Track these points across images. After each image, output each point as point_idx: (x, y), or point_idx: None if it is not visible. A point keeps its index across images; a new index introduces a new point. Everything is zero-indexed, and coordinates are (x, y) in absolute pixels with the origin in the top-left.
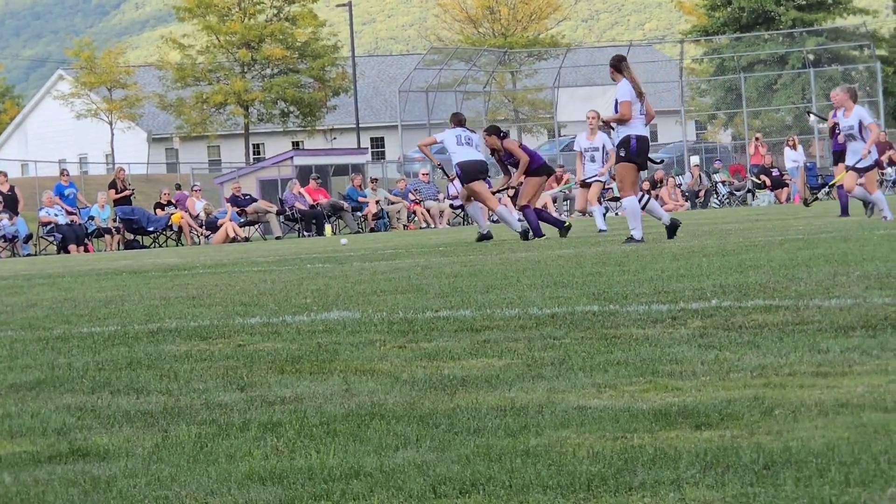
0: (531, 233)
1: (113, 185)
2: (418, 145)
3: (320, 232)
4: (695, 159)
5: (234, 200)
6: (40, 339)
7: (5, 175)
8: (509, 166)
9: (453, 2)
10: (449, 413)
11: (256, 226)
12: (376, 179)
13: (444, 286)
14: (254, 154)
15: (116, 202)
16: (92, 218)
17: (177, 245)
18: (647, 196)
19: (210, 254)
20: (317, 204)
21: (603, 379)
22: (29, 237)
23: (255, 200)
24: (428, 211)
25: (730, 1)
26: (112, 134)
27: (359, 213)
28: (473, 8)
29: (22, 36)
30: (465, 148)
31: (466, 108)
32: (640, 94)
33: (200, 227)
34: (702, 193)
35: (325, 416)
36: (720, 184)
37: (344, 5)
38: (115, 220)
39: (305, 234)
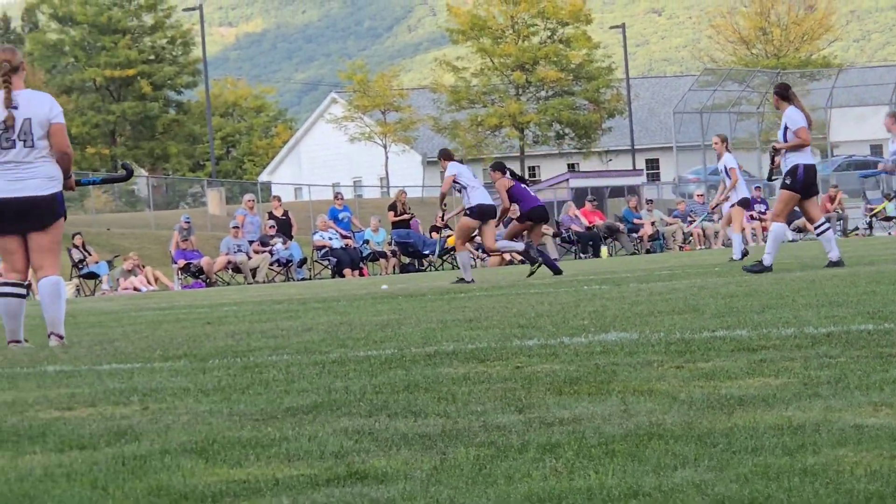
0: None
1: (392, 208)
2: (442, 192)
3: (596, 254)
4: None
5: (507, 221)
6: (317, 363)
7: (279, 199)
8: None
9: (726, 23)
10: (727, 432)
11: None
12: (651, 201)
13: (720, 306)
14: (529, 176)
15: (395, 225)
16: (367, 241)
17: (452, 268)
18: (826, 224)
19: (486, 277)
20: (593, 226)
21: (879, 397)
22: (303, 261)
23: None
24: (703, 231)
25: None
26: (386, 157)
27: (634, 235)
28: (746, 29)
29: (294, 59)
30: (479, 183)
31: (740, 129)
32: (810, 123)
33: (476, 250)
34: None
35: (604, 436)
36: None
37: (618, 27)
38: (390, 244)
39: (582, 255)
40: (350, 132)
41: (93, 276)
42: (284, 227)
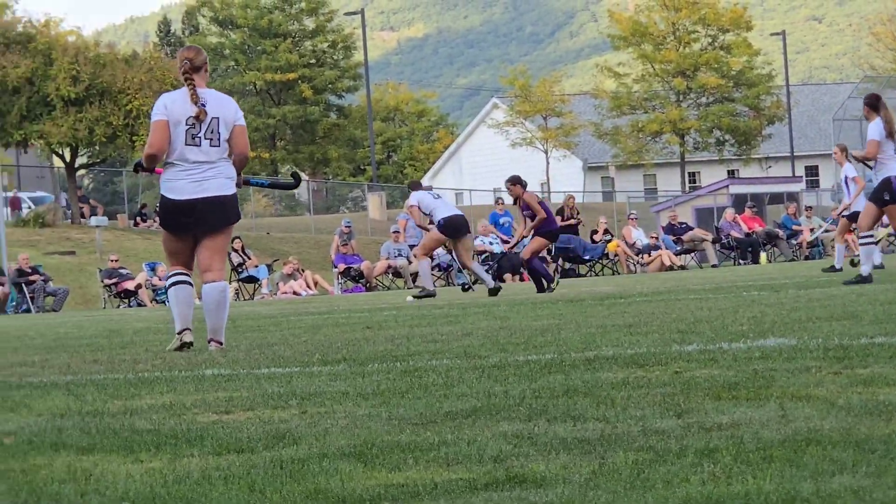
0: (545, 281)
1: (560, 212)
2: (418, 226)
3: (756, 260)
4: None
5: (671, 229)
6: (476, 368)
7: None
8: (527, 218)
9: (886, 31)
10: (885, 438)
11: (692, 254)
12: (811, 207)
13: (878, 313)
14: (689, 182)
15: (560, 229)
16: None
17: (612, 274)
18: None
19: (646, 282)
20: (752, 232)
21: None
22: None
23: (691, 228)
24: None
25: None
26: (547, 162)
27: (793, 241)
28: None
29: (455, 65)
30: (444, 202)
31: None
32: (890, 134)
33: (637, 255)
34: None
35: (762, 441)
36: None
37: (778, 34)
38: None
39: (741, 262)
40: (511, 137)
41: (252, 279)
42: None
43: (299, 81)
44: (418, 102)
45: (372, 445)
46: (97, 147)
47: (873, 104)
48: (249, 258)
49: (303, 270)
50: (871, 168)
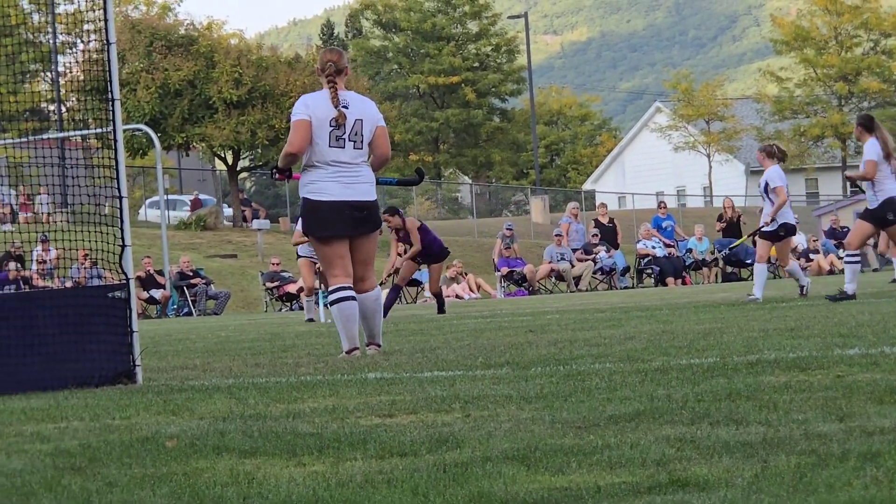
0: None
1: (720, 218)
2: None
3: None
4: None
5: (832, 233)
6: (639, 371)
7: (605, 206)
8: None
9: None
10: None
11: None
12: None
13: None
14: (851, 187)
15: (723, 234)
16: (690, 250)
17: (773, 278)
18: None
19: (813, 286)
20: None
21: None
22: (626, 270)
23: None
24: None
25: None
26: (710, 166)
27: None
28: None
29: (619, 69)
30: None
31: None
32: (888, 155)
33: (798, 259)
34: None
35: None
36: None
37: None
38: (712, 253)
39: None
40: (674, 141)
41: (415, 282)
42: (610, 235)
43: (462, 85)
44: (581, 106)
45: (535, 449)
46: (259, 150)
47: (867, 125)
48: None
49: (465, 274)
50: (862, 190)
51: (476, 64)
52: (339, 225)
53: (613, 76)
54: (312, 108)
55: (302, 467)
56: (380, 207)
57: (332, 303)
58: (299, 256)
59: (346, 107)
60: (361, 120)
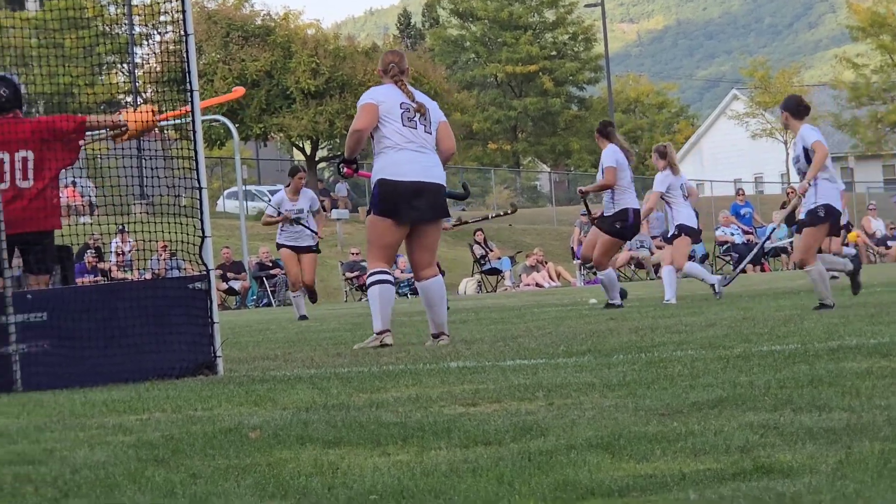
0: None
1: (784, 205)
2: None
3: None
4: None
5: None
6: (721, 358)
7: None
8: None
9: None
10: None
11: None
12: None
13: None
14: None
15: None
16: (768, 237)
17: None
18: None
19: (886, 272)
20: None
21: None
22: (705, 257)
23: None
24: None
25: None
26: (787, 153)
27: None
28: None
29: (695, 56)
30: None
31: None
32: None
33: (876, 245)
34: None
35: None
36: None
37: None
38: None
39: None
40: (751, 128)
41: (495, 271)
42: None
43: (540, 73)
44: (658, 94)
45: (619, 436)
46: (338, 140)
47: (603, 130)
48: (492, 250)
49: (546, 262)
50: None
51: (553, 52)
52: (406, 210)
53: (690, 64)
54: (381, 96)
55: (386, 457)
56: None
57: (371, 284)
58: (280, 246)
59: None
60: (429, 109)
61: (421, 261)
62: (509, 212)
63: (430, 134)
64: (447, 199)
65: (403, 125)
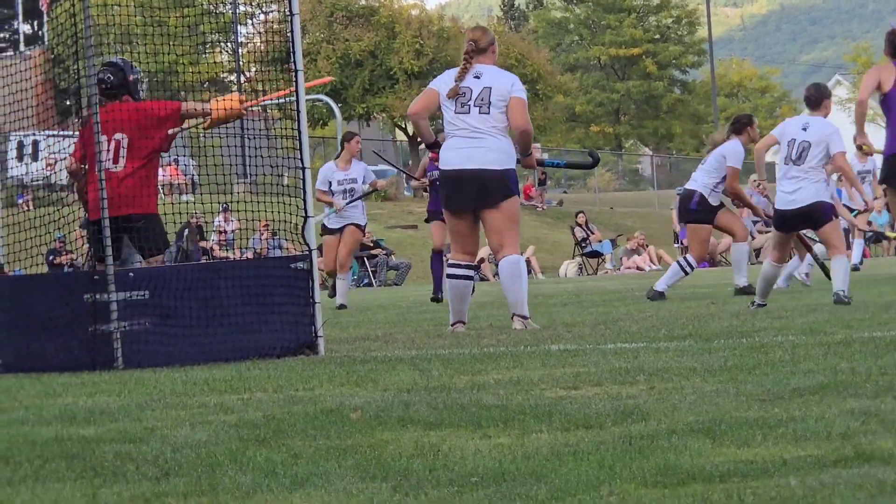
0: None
1: None
2: None
3: None
4: None
5: None
6: (822, 344)
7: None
8: None
9: None
10: None
11: None
12: None
13: None
14: None
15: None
16: (869, 223)
17: None
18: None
19: None
20: None
21: None
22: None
23: None
24: None
25: None
26: None
27: None
28: None
29: (798, 41)
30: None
31: None
32: None
33: None
34: None
35: None
36: None
37: None
38: (892, 226)
39: None
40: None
41: (596, 254)
42: None
43: (643, 57)
44: (762, 79)
45: (720, 422)
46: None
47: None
48: (593, 233)
49: (647, 245)
50: None
51: (657, 36)
52: (459, 199)
53: (793, 49)
54: (442, 83)
55: (487, 439)
56: (510, 179)
57: (447, 277)
58: (325, 230)
59: (477, 77)
60: (490, 88)
61: (491, 243)
62: (589, 161)
63: (488, 113)
64: (562, 168)
65: (456, 112)
